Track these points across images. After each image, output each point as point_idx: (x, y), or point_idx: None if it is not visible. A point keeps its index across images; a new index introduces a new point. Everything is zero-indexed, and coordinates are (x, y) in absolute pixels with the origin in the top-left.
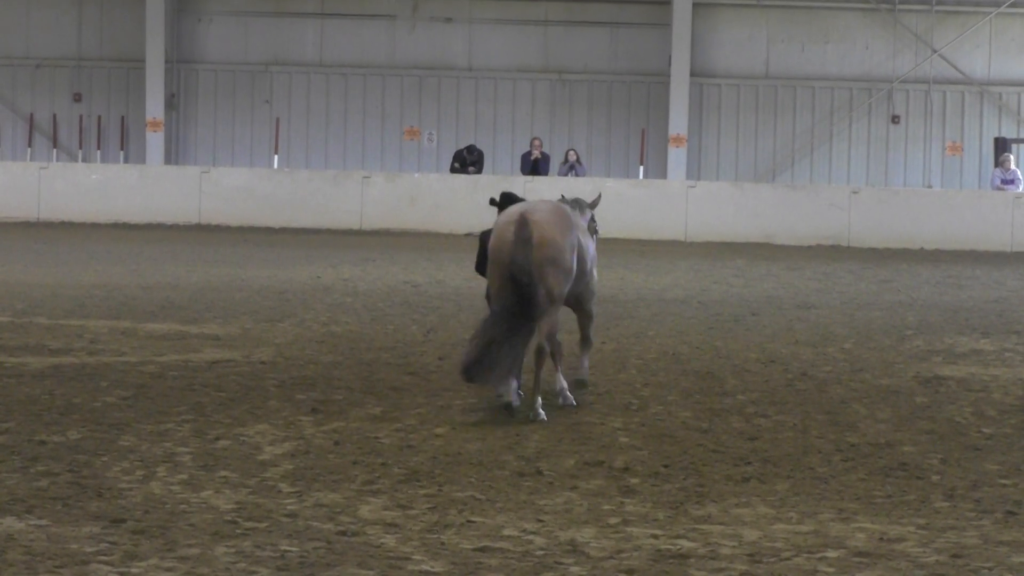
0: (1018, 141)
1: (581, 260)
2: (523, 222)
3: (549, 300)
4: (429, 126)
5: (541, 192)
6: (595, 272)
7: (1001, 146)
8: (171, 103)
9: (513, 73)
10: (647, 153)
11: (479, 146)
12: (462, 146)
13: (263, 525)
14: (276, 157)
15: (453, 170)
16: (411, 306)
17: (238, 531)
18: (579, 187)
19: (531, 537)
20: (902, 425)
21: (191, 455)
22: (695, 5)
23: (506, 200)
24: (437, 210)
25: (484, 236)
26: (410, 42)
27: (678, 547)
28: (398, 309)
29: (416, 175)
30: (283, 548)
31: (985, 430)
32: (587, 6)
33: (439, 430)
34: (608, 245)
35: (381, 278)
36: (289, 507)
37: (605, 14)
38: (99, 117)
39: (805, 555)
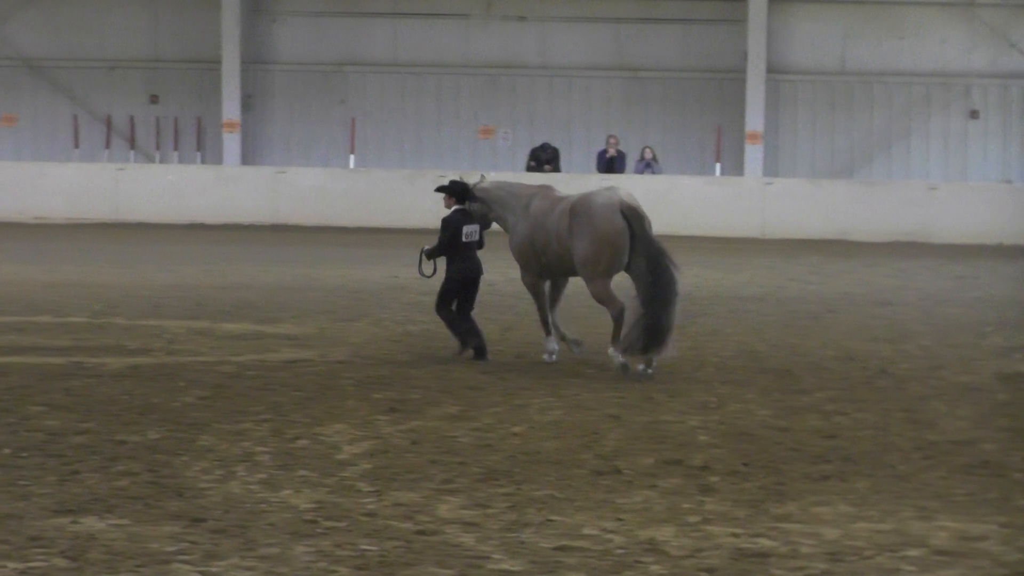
0: None
1: None
2: (631, 208)
3: None
4: (503, 124)
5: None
6: None
7: None
8: (247, 104)
9: (587, 71)
10: (723, 150)
11: (554, 144)
12: (536, 144)
13: (342, 524)
14: (352, 157)
15: (529, 168)
16: (486, 305)
17: (317, 530)
18: (655, 185)
19: (610, 536)
20: (982, 422)
21: (270, 454)
22: (770, 1)
23: (456, 187)
24: None
25: (453, 220)
26: (483, 40)
27: (758, 546)
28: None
29: (492, 174)
30: (362, 547)
31: None
32: (660, 3)
33: (516, 429)
34: (684, 243)
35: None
36: (368, 506)
37: (678, 11)
38: (175, 118)
39: (886, 554)
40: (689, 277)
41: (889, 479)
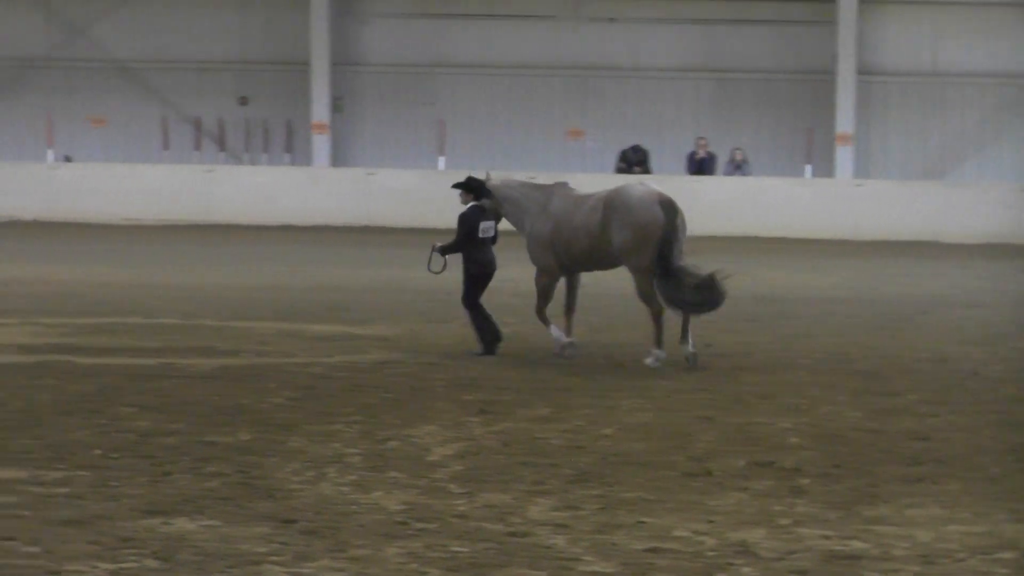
0: None
1: None
2: (669, 201)
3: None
4: (592, 126)
5: (707, 192)
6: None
7: None
8: (336, 105)
9: (677, 72)
10: (813, 152)
11: (643, 146)
12: (626, 146)
13: (433, 526)
14: (441, 159)
15: (619, 170)
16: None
17: (408, 532)
18: (745, 187)
19: (702, 538)
20: None
21: (360, 456)
22: (861, 2)
23: (472, 184)
24: None
25: (471, 217)
26: (573, 42)
27: (849, 548)
28: (562, 310)
29: (580, 176)
30: (453, 549)
31: None
32: (750, 4)
33: (607, 431)
34: (774, 244)
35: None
36: (459, 508)
37: (768, 12)
38: (265, 120)
39: (979, 556)
40: (779, 279)
41: (981, 481)
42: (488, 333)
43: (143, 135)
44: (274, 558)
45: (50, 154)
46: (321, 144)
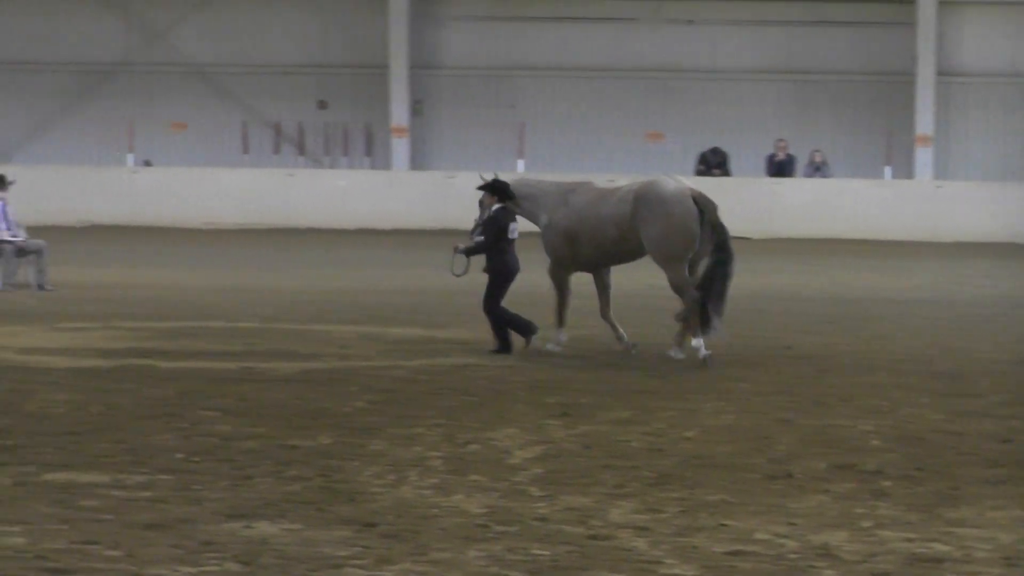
0: None
1: None
2: (701, 194)
3: None
4: (671, 129)
5: (787, 194)
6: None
7: None
8: (416, 109)
9: (756, 74)
10: (893, 153)
11: (723, 148)
12: (705, 148)
13: (514, 529)
14: (521, 162)
15: (698, 172)
16: (655, 309)
17: (489, 535)
18: (825, 188)
19: (783, 540)
20: None
21: (441, 459)
22: (940, 3)
23: (498, 186)
24: None
25: (499, 218)
26: (652, 44)
27: (932, 551)
28: (642, 312)
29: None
30: (534, 552)
31: None
32: (828, 6)
33: (688, 433)
34: (854, 246)
35: (627, 281)
36: (539, 511)
37: (847, 13)
38: (344, 123)
39: None
40: (859, 280)
41: None
42: (509, 332)
43: (223, 139)
44: (355, 562)
45: (130, 159)
46: (400, 147)
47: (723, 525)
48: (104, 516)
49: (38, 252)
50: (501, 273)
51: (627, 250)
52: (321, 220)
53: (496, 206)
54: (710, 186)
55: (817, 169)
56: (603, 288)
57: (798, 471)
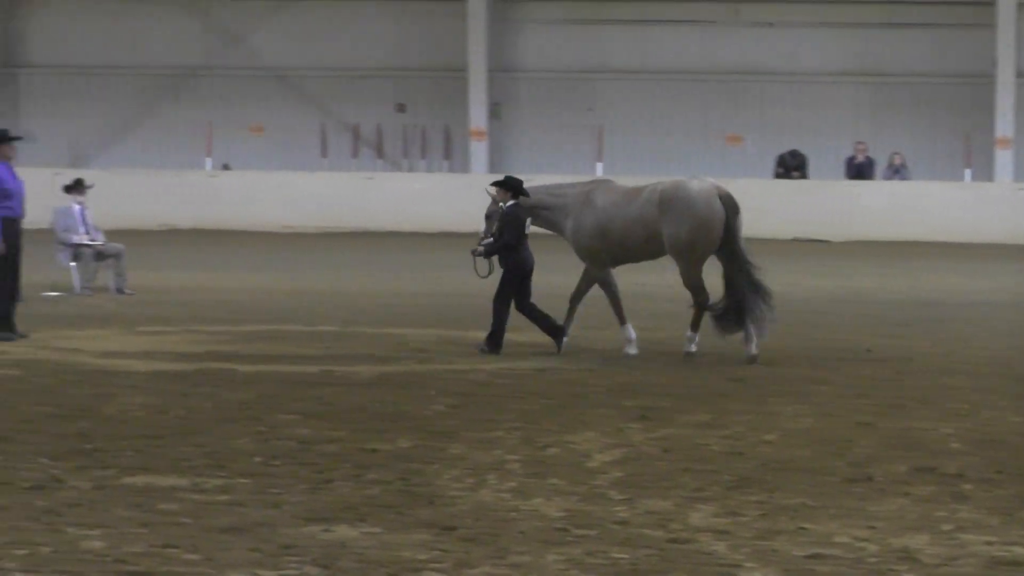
0: None
1: None
2: (728, 195)
3: None
4: (750, 132)
5: (866, 197)
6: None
7: None
8: (494, 112)
9: (834, 76)
10: (973, 155)
11: (802, 151)
12: (784, 151)
13: (593, 533)
14: (599, 165)
15: (777, 175)
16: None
17: (568, 538)
18: (904, 191)
19: (863, 544)
20: None
21: (520, 462)
22: (1020, 5)
23: (512, 183)
24: (760, 215)
25: (517, 214)
26: (731, 47)
27: (1012, 554)
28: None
29: (740, 181)
30: (613, 556)
31: None
32: (907, 8)
33: (767, 437)
34: (934, 248)
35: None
36: (619, 514)
37: (926, 15)
38: (423, 126)
39: None
40: (937, 283)
41: None
42: (501, 335)
43: (301, 143)
44: (434, 565)
45: (209, 162)
46: (479, 150)
47: (803, 528)
48: (183, 520)
49: (117, 256)
50: (517, 269)
51: (650, 250)
52: (399, 223)
53: (510, 203)
54: (789, 189)
55: (896, 171)
56: (587, 282)
57: (878, 474)
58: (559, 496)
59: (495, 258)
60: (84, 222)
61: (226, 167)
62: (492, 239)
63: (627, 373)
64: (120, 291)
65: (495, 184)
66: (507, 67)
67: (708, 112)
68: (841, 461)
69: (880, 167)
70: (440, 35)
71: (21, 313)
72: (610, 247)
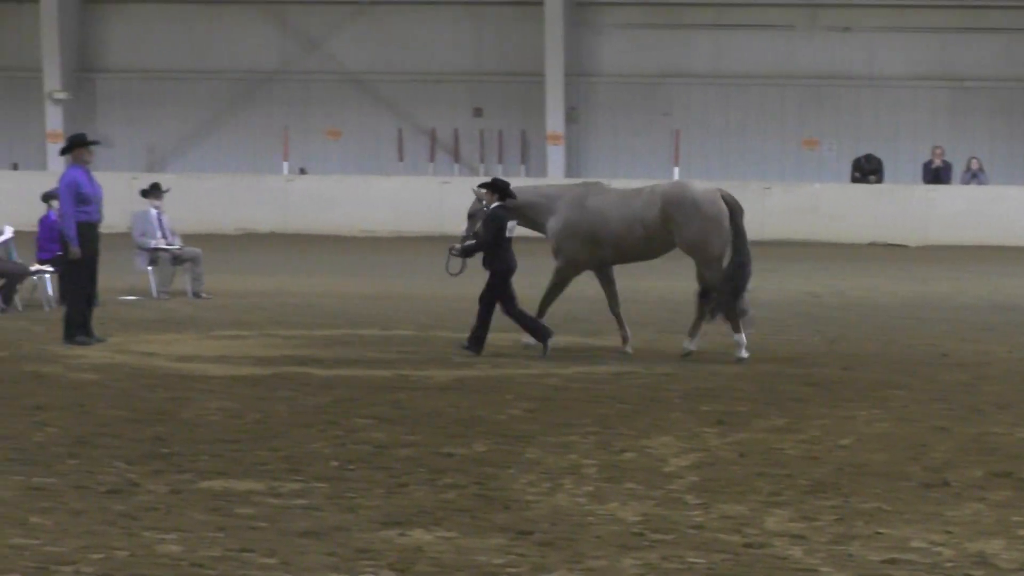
0: None
1: None
2: (731, 195)
3: None
4: (827, 135)
5: (943, 201)
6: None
7: None
8: (571, 116)
9: (912, 81)
10: None
11: (878, 155)
12: (860, 155)
13: (669, 537)
14: (676, 169)
15: (853, 179)
16: (811, 317)
17: (644, 543)
18: (981, 195)
19: (939, 549)
20: None
21: (596, 467)
22: None
23: (499, 184)
24: (837, 220)
25: (498, 216)
26: (808, 51)
27: None
28: (799, 320)
29: (816, 185)
30: (690, 560)
31: None
32: (984, 12)
33: (843, 441)
34: (1012, 253)
35: (781, 288)
36: (695, 519)
37: (1004, 20)
38: (499, 131)
39: None
40: (1011, 287)
41: None
42: (484, 333)
43: (378, 147)
44: (510, 570)
45: (286, 166)
46: (556, 155)
47: (879, 533)
48: (259, 524)
49: (194, 260)
50: (501, 271)
51: (649, 250)
52: None
53: (495, 204)
54: (866, 193)
55: (974, 176)
56: (609, 283)
57: (955, 479)
58: (635, 500)
59: (467, 260)
60: (161, 226)
61: (303, 171)
62: (472, 239)
63: (703, 378)
64: (197, 295)
65: (482, 186)
66: (584, 71)
67: (784, 116)
68: (917, 466)
69: (957, 171)
70: (517, 40)
71: (98, 317)
72: (600, 251)
